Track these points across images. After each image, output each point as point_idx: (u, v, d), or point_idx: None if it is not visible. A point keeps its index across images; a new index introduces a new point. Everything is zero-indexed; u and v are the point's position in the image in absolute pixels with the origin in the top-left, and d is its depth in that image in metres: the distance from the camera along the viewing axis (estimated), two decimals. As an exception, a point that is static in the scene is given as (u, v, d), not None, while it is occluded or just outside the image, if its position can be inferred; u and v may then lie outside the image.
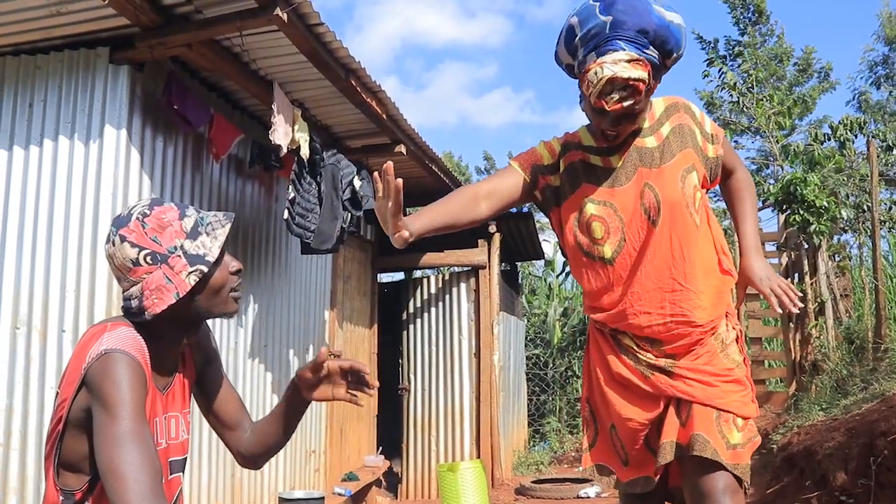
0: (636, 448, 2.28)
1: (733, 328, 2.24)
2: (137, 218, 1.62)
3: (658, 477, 2.24)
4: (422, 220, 2.02)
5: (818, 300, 7.51)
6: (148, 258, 1.60)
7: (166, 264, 1.60)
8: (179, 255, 1.61)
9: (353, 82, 4.31)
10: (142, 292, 1.60)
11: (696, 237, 2.18)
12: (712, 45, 14.15)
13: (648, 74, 1.97)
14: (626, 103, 1.97)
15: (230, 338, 4.37)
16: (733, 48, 10.63)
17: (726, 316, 2.23)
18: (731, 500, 2.05)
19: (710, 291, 2.19)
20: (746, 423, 2.15)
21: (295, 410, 1.89)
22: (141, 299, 1.60)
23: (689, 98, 2.38)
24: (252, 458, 1.93)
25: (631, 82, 1.95)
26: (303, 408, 1.89)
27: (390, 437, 7.27)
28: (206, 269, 1.61)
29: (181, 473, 1.79)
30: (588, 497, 6.32)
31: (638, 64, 1.95)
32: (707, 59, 9.14)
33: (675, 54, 2.08)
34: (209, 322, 1.75)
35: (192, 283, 1.60)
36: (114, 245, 1.62)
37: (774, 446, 5.48)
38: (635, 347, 2.21)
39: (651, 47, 2.00)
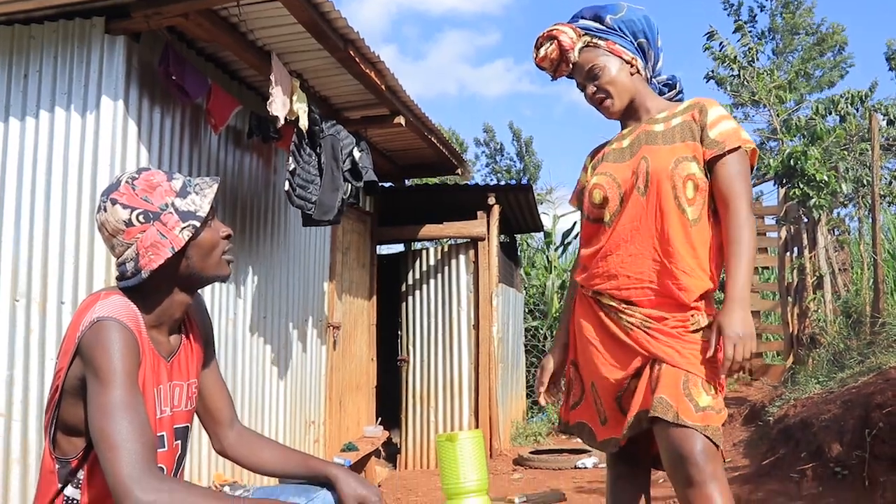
0: (611, 407, 2.35)
1: (709, 316, 2.24)
2: (127, 182, 1.66)
3: (625, 443, 2.29)
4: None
5: (817, 274, 7.53)
6: (140, 217, 1.63)
7: (159, 221, 1.63)
8: (171, 212, 1.64)
9: (351, 53, 4.27)
10: (137, 252, 1.62)
11: (679, 219, 2.22)
12: (736, 7, 13.96)
13: (572, 30, 2.38)
14: (550, 50, 2.40)
15: (229, 309, 4.38)
16: (753, 17, 10.49)
17: (698, 309, 2.23)
18: (712, 464, 2.07)
19: (690, 277, 2.21)
20: (717, 393, 2.17)
21: (308, 480, 1.89)
22: (136, 260, 1.62)
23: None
24: (231, 458, 1.97)
25: (546, 32, 2.40)
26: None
27: (389, 407, 7.31)
28: (198, 224, 1.64)
29: (185, 442, 1.81)
30: (585, 467, 6.38)
31: (561, 24, 2.41)
32: (707, 33, 9.04)
33: (609, 16, 2.38)
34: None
35: (186, 237, 1.63)
36: (105, 210, 1.64)
37: (771, 418, 5.53)
38: (615, 306, 2.29)
39: (583, 19, 2.41)
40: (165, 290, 1.69)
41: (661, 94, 2.50)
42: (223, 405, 1.95)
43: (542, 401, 2.51)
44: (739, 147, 2.22)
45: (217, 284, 4.15)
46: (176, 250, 1.63)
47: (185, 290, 1.72)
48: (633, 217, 2.27)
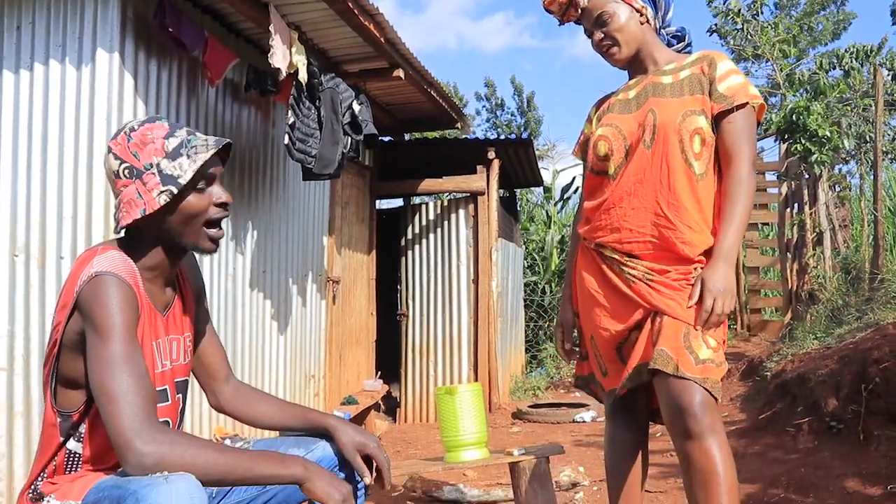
0: (610, 358, 2.38)
1: None
2: (126, 132, 1.65)
3: (624, 393, 2.33)
4: None
5: (817, 230, 7.53)
6: (126, 171, 1.63)
7: (140, 180, 1.62)
8: (154, 173, 1.62)
9: (349, 4, 4.20)
10: (119, 204, 1.64)
11: (685, 173, 2.22)
12: None
13: None
14: None
15: (228, 264, 4.38)
16: None
17: (702, 262, 2.24)
18: (710, 416, 2.09)
19: (694, 232, 2.21)
20: (718, 346, 2.19)
21: (306, 432, 1.91)
22: (118, 211, 1.64)
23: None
24: (227, 413, 1.99)
25: None
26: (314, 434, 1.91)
27: (389, 362, 7.36)
28: (175, 191, 1.61)
29: (185, 395, 1.84)
30: (584, 422, 6.44)
31: None
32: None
33: None
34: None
35: (162, 202, 1.61)
36: (105, 155, 1.67)
37: (768, 373, 5.57)
38: (618, 258, 2.30)
39: None
40: (153, 247, 1.69)
41: (668, 45, 2.47)
42: (218, 360, 1.97)
43: (568, 360, 2.60)
44: (747, 103, 2.21)
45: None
46: (147, 213, 1.61)
47: (170, 250, 1.70)
48: (638, 170, 2.26)
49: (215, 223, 1.70)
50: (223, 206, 1.71)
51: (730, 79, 2.24)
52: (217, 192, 1.70)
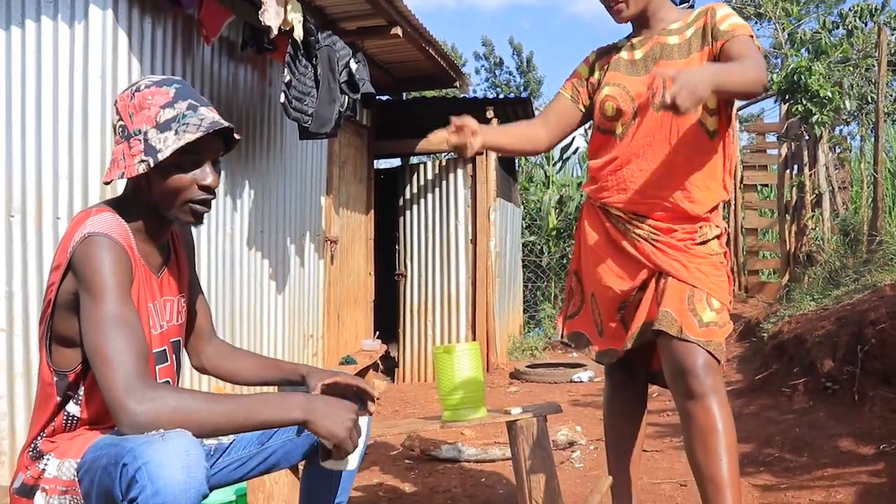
0: (611, 318, 2.39)
1: (717, 226, 2.28)
2: (132, 89, 1.66)
3: (624, 354, 2.34)
4: (493, 137, 2.41)
5: (816, 192, 7.50)
6: (119, 129, 1.65)
7: (127, 143, 1.63)
8: (140, 140, 1.61)
9: (347, -40, 4.13)
10: (112, 158, 1.66)
11: (696, 133, 2.21)
12: None
13: None
14: None
15: (226, 224, 4.36)
16: None
17: (707, 220, 2.25)
18: (712, 377, 2.11)
19: (702, 190, 2.22)
20: (722, 307, 2.20)
21: (283, 383, 1.98)
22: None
23: None
24: (210, 372, 2.02)
25: None
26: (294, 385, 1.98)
27: (387, 321, 7.39)
28: (151, 164, 1.59)
29: (179, 355, 1.85)
30: (581, 381, 6.49)
31: None
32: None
33: None
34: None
35: (139, 171, 1.60)
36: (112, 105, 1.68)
37: (765, 334, 5.59)
38: (623, 217, 2.30)
39: None
40: (145, 209, 1.69)
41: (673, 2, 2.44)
42: (205, 321, 2.00)
43: (465, 153, 2.22)
44: (751, 36, 2.19)
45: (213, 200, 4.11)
46: (125, 177, 1.62)
47: (159, 215, 1.70)
48: (648, 132, 2.25)
49: (198, 202, 1.68)
50: (207, 189, 1.68)
51: (730, 19, 2.22)
52: (203, 175, 1.67)
